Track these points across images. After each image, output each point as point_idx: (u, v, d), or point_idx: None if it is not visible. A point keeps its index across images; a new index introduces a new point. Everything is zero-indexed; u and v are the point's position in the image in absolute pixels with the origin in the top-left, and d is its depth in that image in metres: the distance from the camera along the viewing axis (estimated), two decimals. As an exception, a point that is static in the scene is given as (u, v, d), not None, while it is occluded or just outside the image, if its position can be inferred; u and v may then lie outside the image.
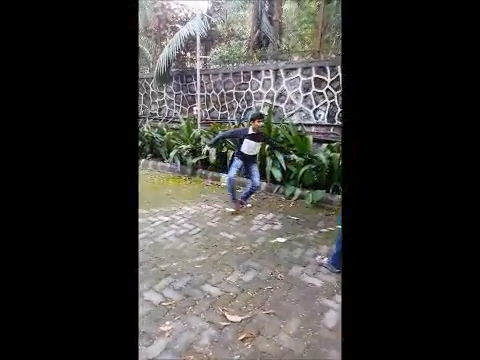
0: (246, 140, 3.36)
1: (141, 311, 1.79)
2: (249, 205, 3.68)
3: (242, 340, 1.61)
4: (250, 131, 3.36)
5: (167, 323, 1.73)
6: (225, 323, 1.73)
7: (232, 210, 3.48)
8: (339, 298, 1.99)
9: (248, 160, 3.47)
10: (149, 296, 1.95)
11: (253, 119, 3.32)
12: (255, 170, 3.46)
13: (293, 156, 3.70)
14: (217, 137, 3.68)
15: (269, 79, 5.16)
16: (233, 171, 3.45)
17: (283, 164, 4.03)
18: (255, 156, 3.55)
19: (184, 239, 2.78)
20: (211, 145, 4.02)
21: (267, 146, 4.11)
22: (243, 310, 1.85)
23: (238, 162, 3.45)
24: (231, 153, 4.48)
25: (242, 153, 3.43)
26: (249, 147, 3.40)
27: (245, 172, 3.71)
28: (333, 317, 1.81)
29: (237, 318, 1.77)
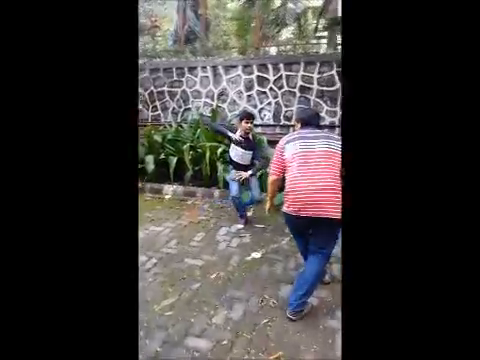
0: (233, 146, 2.82)
1: None
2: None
3: None
4: (237, 135, 2.77)
5: None
6: (233, 391, 1.29)
7: (241, 226, 3.01)
8: (338, 315, 1.76)
9: (241, 170, 2.88)
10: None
11: (241, 119, 2.76)
12: (253, 182, 2.94)
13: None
14: (216, 128, 3.13)
15: (207, 76, 4.74)
16: (233, 188, 2.86)
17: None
18: (248, 166, 2.93)
19: (141, 278, 2.14)
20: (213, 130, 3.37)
21: (219, 150, 3.71)
22: (247, 363, 1.44)
23: (233, 174, 2.90)
24: (174, 160, 3.92)
25: (233, 161, 2.89)
26: (236, 155, 2.84)
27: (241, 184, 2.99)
28: (350, 345, 1.56)
29: (246, 379, 1.35)
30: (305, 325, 1.68)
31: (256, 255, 2.49)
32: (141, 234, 2.83)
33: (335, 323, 1.70)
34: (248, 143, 2.84)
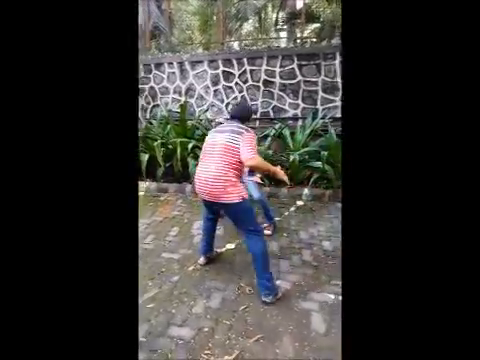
0: None
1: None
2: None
3: (244, 385, 1.34)
4: None
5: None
6: (216, 371, 1.41)
7: (270, 233, 2.78)
8: (313, 296, 1.93)
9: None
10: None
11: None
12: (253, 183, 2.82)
13: None
14: None
15: (174, 72, 4.71)
16: (255, 190, 2.67)
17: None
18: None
19: (119, 274, 2.20)
20: None
21: (189, 145, 3.75)
22: (228, 345, 1.55)
23: (247, 175, 2.64)
24: (145, 156, 3.89)
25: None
26: None
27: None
28: (319, 320, 1.73)
29: (228, 359, 1.47)
30: (280, 308, 1.83)
31: (230, 246, 2.61)
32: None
33: (308, 304, 1.86)
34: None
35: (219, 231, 2.90)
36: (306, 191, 3.79)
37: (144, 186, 4.00)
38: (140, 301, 1.89)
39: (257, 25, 6.68)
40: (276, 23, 6.14)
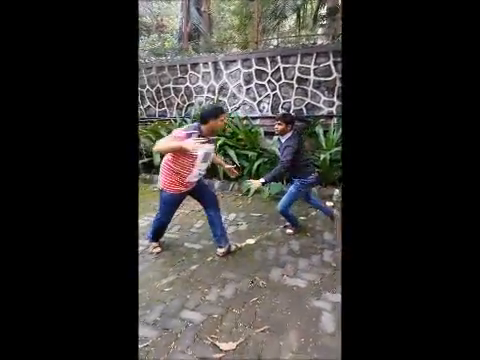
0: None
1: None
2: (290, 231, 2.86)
3: (244, 371, 1.39)
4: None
5: (150, 372, 1.40)
6: (219, 355, 1.47)
7: (291, 231, 2.81)
8: (327, 296, 1.91)
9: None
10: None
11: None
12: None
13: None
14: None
15: (208, 72, 4.88)
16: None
17: (236, 160, 3.85)
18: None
19: (144, 258, 2.37)
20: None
21: (219, 142, 3.87)
22: (234, 333, 1.61)
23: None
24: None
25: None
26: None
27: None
28: (329, 320, 1.70)
29: (231, 345, 1.53)
30: (292, 304, 1.84)
31: (250, 241, 2.65)
32: (147, 221, 3.04)
33: (320, 304, 1.84)
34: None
35: (241, 227, 2.97)
36: (337, 192, 3.69)
37: (176, 180, 4.21)
38: (158, 285, 2.03)
39: (296, 23, 6.58)
40: (315, 20, 6.00)
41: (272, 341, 1.56)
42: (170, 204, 2.28)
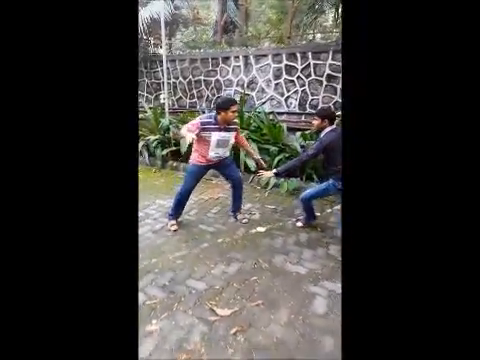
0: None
1: (123, 314, 1.67)
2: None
3: (234, 334, 1.57)
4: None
5: (154, 322, 1.63)
6: (215, 318, 1.67)
7: (300, 224, 2.91)
8: (324, 284, 2.02)
9: None
10: (130, 297, 1.82)
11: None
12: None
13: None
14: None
15: (239, 66, 5.04)
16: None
17: (257, 153, 3.99)
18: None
19: (162, 234, 2.64)
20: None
21: (242, 134, 4.03)
22: (231, 303, 1.80)
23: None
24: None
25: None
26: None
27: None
28: (321, 304, 1.83)
29: (227, 312, 1.72)
30: (289, 287, 1.98)
31: (261, 229, 2.81)
32: (168, 203, 3.30)
33: (316, 289, 1.96)
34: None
35: (254, 216, 3.13)
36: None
37: (200, 169, 4.47)
38: (171, 257, 2.27)
39: (334, 18, 6.46)
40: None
41: (264, 314, 1.72)
42: (191, 174, 2.68)
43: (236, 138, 2.72)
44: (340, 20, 6.66)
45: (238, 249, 2.43)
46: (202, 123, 2.43)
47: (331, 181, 2.47)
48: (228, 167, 2.78)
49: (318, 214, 3.23)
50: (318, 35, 5.85)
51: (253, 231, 2.77)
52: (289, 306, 1.79)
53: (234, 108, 2.42)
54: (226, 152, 2.67)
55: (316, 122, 2.45)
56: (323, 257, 2.38)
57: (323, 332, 1.60)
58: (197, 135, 2.37)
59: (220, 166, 2.73)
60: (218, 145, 2.52)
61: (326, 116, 2.39)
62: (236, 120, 2.77)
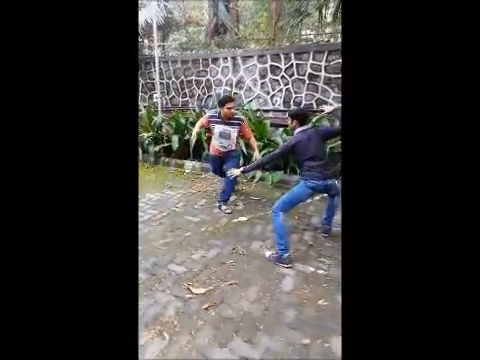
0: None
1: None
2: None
3: (206, 309, 1.75)
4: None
5: (134, 300, 1.81)
6: (190, 295, 1.85)
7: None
8: (295, 266, 2.19)
9: None
10: (115, 278, 2.00)
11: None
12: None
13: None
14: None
15: (227, 66, 5.23)
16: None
17: (244, 148, 4.17)
18: None
19: (149, 224, 2.83)
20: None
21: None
22: (207, 283, 1.98)
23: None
24: (193, 140, 4.51)
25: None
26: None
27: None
28: (290, 282, 2.01)
29: (201, 290, 1.90)
30: (262, 269, 2.15)
31: (242, 219, 2.99)
32: (158, 196, 3.52)
33: (287, 271, 2.14)
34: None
35: (238, 207, 3.31)
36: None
37: (190, 165, 4.65)
38: (156, 244, 2.46)
39: (318, 20, 6.63)
40: (335, 18, 6.02)
41: (235, 292, 1.90)
42: (211, 160, 3.46)
43: (241, 131, 3.17)
44: (324, 21, 6.80)
45: (219, 237, 2.62)
46: (210, 116, 3.09)
47: (302, 182, 2.33)
48: (230, 160, 3.16)
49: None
50: (311, 36, 6.00)
51: (235, 221, 2.95)
52: (260, 285, 1.98)
53: (229, 105, 2.92)
54: (231, 145, 3.12)
55: (289, 122, 2.46)
56: (297, 242, 2.55)
57: (287, 306, 1.78)
58: (207, 128, 3.23)
59: (226, 158, 3.19)
60: (221, 136, 3.07)
61: (295, 116, 2.35)
62: (242, 116, 3.28)
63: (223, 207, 3.16)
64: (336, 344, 1.50)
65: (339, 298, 1.83)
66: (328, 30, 6.13)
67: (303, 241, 2.58)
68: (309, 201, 3.52)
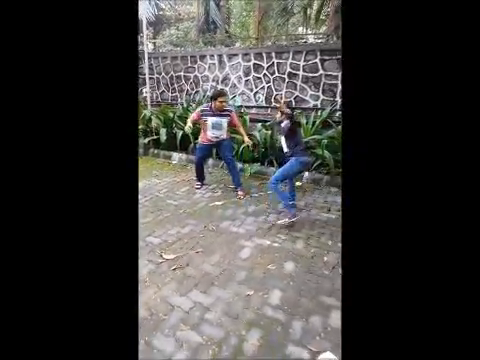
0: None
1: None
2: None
3: (174, 269, 2.14)
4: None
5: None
6: (161, 260, 2.25)
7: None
8: (255, 240, 2.59)
9: None
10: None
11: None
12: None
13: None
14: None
15: (214, 63, 5.56)
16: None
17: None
18: None
19: (133, 206, 3.21)
20: None
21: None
22: (178, 251, 2.38)
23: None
24: (180, 133, 4.86)
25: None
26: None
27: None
28: (247, 252, 2.40)
29: (171, 256, 2.30)
30: (227, 242, 2.55)
31: (218, 203, 3.38)
32: (144, 184, 3.89)
33: (247, 243, 2.53)
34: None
35: (217, 193, 3.70)
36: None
37: (177, 157, 5.02)
38: (139, 222, 2.84)
39: (301, 20, 6.93)
40: (318, 18, 6.34)
41: (200, 257, 2.30)
42: (198, 150, 3.72)
43: (231, 121, 3.55)
44: (309, 21, 7.10)
45: (195, 217, 3.01)
46: (201, 111, 3.46)
47: (293, 159, 2.82)
48: (224, 148, 3.60)
49: (271, 192, 3.76)
50: (288, 36, 6.29)
51: (211, 205, 3.34)
52: (221, 253, 2.37)
53: (220, 98, 3.36)
54: (222, 134, 3.52)
55: (278, 115, 2.88)
56: (261, 222, 2.94)
57: (240, 269, 2.18)
58: (199, 121, 3.49)
59: (219, 146, 3.63)
60: (214, 127, 3.47)
61: (286, 114, 2.79)
62: (231, 107, 3.79)
63: (240, 192, 3.60)
64: (274, 296, 1.89)
65: (286, 264, 2.23)
66: (310, 31, 6.44)
67: (266, 222, 2.97)
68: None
